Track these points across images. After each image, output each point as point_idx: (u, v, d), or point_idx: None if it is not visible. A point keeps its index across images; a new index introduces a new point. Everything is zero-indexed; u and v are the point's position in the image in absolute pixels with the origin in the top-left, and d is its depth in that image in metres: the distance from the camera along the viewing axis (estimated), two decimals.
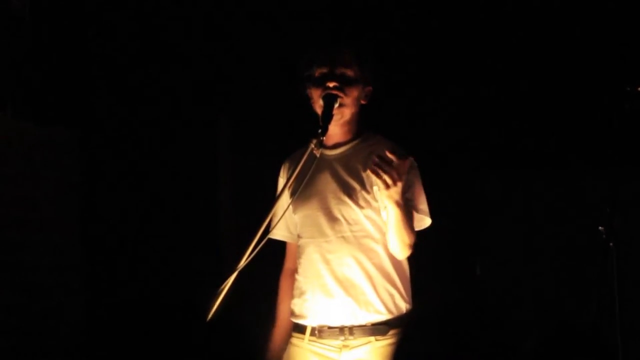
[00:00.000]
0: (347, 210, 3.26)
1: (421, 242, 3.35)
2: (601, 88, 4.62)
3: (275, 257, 3.48)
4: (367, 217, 3.27)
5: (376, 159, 3.08)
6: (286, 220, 3.37)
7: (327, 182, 3.30)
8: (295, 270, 3.41)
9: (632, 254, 3.64)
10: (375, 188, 3.22)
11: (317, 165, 3.21)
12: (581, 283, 4.61)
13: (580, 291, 4.56)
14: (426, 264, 3.47)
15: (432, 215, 3.32)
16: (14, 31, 4.46)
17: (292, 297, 3.38)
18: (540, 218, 4.98)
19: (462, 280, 4.94)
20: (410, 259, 3.34)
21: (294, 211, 3.34)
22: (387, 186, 3.08)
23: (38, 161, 4.50)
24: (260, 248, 3.03)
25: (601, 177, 3.57)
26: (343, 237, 3.26)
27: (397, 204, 3.13)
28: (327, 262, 3.27)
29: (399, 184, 3.09)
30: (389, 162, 3.07)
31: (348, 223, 3.26)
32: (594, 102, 4.71)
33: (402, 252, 3.25)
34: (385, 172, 3.06)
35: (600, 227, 3.25)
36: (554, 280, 4.89)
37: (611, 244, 3.23)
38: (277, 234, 3.39)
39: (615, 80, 4.11)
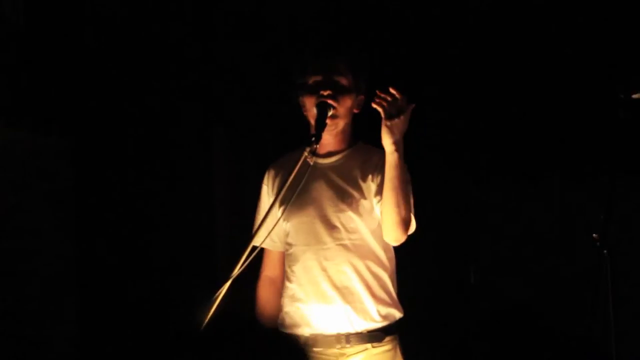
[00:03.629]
0: (346, 218, 3.25)
1: (415, 250, 3.34)
2: (595, 96, 4.63)
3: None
4: (366, 225, 3.25)
5: (379, 92, 3.08)
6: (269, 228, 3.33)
7: (323, 190, 3.28)
8: (274, 279, 3.39)
9: (626, 262, 3.64)
10: (375, 181, 3.21)
11: (310, 173, 3.19)
12: (575, 290, 4.61)
13: (575, 298, 4.55)
14: (421, 272, 3.46)
15: (426, 223, 3.30)
16: (8, 39, 4.45)
17: (275, 306, 3.36)
18: (534, 226, 4.98)
19: (457, 288, 4.93)
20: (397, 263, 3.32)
21: (285, 219, 3.31)
22: (390, 115, 3.05)
23: (32, 170, 4.49)
24: (254, 256, 3.01)
25: (595, 184, 3.57)
26: (341, 244, 3.24)
27: (396, 144, 3.08)
28: (324, 269, 3.25)
29: (402, 118, 3.07)
30: (391, 95, 3.07)
31: (347, 231, 3.25)
32: (588, 110, 4.72)
33: (396, 228, 3.14)
34: (387, 102, 3.06)
35: (594, 235, 3.25)
36: (548, 287, 4.89)
37: (605, 251, 3.23)
38: (260, 241, 3.35)
39: (609, 88, 4.11)
